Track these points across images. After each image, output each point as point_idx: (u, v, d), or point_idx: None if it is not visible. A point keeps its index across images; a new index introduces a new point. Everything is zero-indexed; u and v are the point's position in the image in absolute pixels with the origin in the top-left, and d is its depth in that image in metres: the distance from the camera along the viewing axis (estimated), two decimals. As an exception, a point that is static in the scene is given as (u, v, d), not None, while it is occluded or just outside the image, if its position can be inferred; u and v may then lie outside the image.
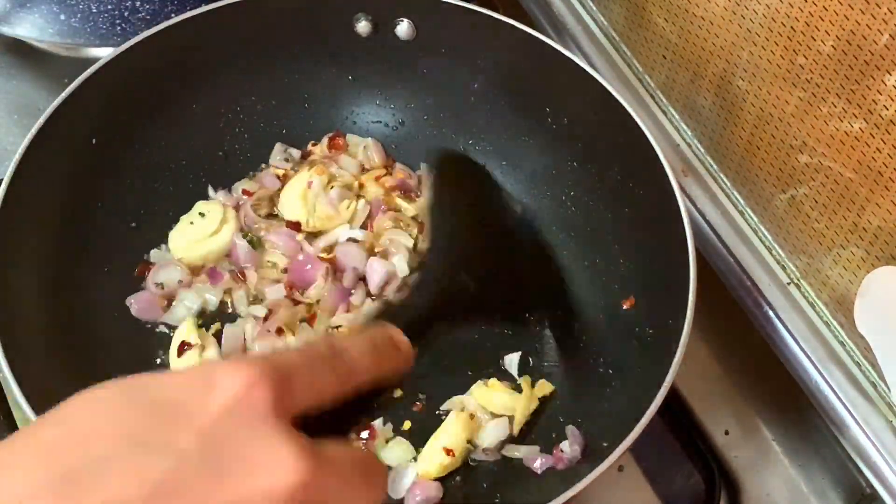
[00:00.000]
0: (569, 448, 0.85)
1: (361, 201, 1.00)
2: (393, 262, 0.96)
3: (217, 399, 0.46)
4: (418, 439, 0.88)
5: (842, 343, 0.91)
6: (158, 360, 0.92)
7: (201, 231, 0.95)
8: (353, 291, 0.95)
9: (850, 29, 0.75)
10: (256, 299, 0.95)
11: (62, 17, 1.01)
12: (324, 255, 0.96)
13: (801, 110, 0.84)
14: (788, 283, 0.94)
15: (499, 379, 0.92)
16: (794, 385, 0.92)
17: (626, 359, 0.88)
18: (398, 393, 0.89)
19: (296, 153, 1.02)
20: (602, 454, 0.75)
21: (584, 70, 0.92)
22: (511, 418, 0.89)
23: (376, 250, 0.97)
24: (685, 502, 0.96)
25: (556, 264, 0.96)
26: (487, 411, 0.89)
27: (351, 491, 0.49)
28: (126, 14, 1.01)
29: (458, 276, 0.77)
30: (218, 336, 0.93)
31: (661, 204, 0.86)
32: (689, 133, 1.01)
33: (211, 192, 0.99)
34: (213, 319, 0.94)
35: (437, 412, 0.90)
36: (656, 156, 0.87)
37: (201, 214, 0.96)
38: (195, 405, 0.46)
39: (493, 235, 0.89)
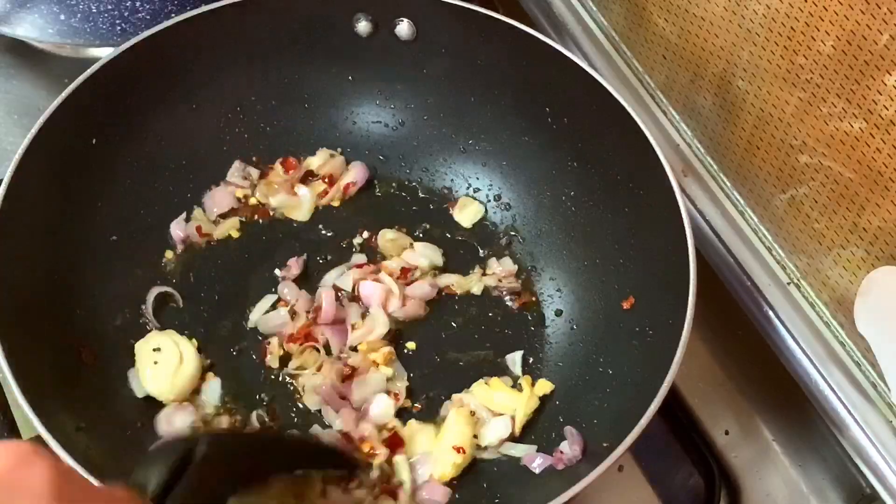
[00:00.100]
0: (568, 448, 0.85)
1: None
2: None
3: None
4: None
5: (842, 343, 0.91)
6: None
7: (170, 366, 0.89)
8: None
9: (850, 29, 0.75)
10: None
11: (62, 17, 1.01)
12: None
13: (801, 110, 0.84)
14: (788, 283, 0.94)
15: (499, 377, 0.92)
16: (794, 385, 0.92)
17: (626, 359, 0.88)
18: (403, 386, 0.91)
19: (254, 172, 1.02)
20: (602, 454, 0.76)
21: (584, 70, 0.92)
22: (512, 417, 0.89)
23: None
24: (685, 502, 0.96)
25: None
26: (488, 410, 0.89)
27: None
28: (126, 14, 1.01)
29: None
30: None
31: (661, 204, 0.86)
32: (689, 133, 1.01)
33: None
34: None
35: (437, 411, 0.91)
36: (656, 156, 0.87)
37: (156, 350, 0.90)
38: None
39: None
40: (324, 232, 1.01)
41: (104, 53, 0.91)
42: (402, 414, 0.90)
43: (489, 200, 1.03)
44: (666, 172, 0.86)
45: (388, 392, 0.90)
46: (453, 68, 1.00)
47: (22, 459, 0.47)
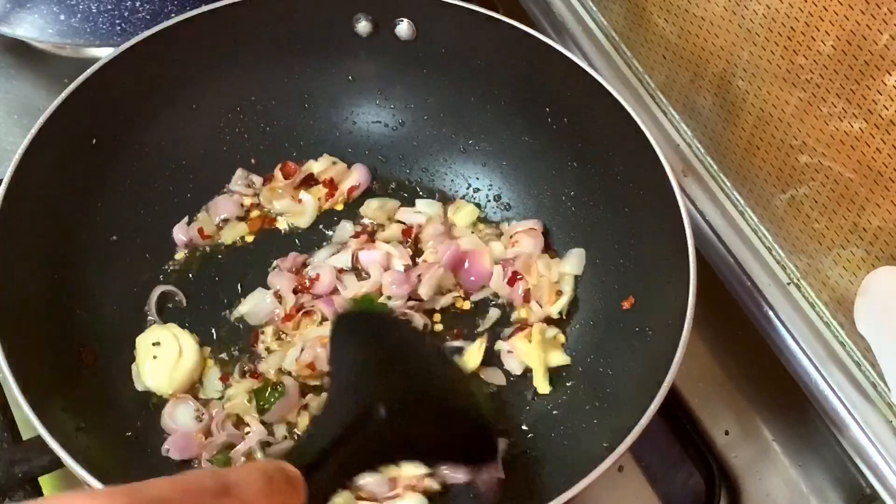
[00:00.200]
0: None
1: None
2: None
3: None
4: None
5: (842, 343, 0.91)
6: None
7: (169, 360, 0.90)
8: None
9: (850, 29, 0.75)
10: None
11: (62, 17, 1.01)
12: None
13: (801, 110, 0.84)
14: (788, 283, 0.94)
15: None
16: (794, 385, 0.92)
17: (626, 359, 0.88)
18: None
19: (258, 179, 1.02)
20: (602, 454, 0.75)
21: (585, 70, 0.92)
22: None
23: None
24: (685, 502, 0.96)
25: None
26: None
27: None
28: (126, 14, 1.01)
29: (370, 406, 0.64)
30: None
31: (661, 204, 0.86)
32: (689, 133, 1.01)
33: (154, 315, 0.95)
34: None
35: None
36: (656, 156, 0.87)
37: (156, 344, 0.90)
38: None
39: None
40: (327, 232, 1.01)
41: (104, 53, 0.91)
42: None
43: (489, 200, 1.03)
44: (666, 172, 0.86)
45: None
46: (453, 68, 1.00)
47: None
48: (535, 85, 0.97)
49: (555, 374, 0.93)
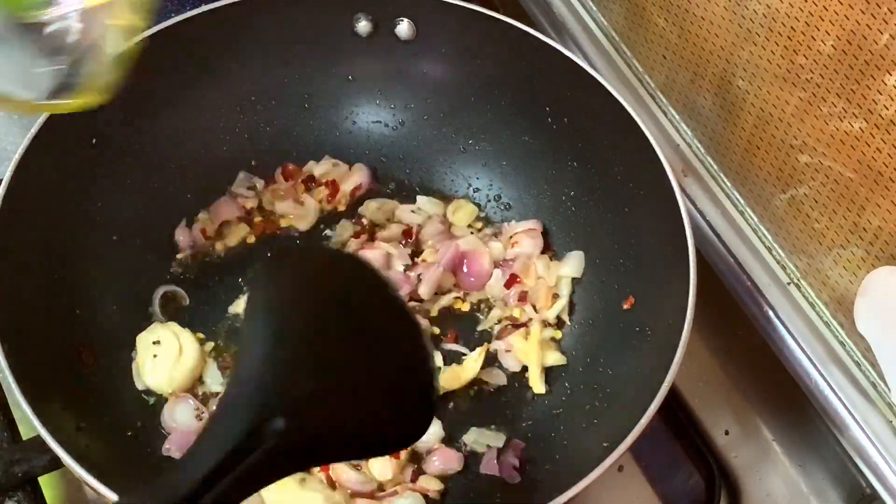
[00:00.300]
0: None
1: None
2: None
3: None
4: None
5: (842, 343, 0.91)
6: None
7: (169, 358, 0.89)
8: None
9: (850, 29, 0.75)
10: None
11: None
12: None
13: (801, 110, 0.84)
14: (788, 283, 0.94)
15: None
16: (794, 385, 0.92)
17: (626, 359, 0.88)
18: None
19: (259, 182, 1.02)
20: (602, 454, 0.75)
21: (584, 70, 0.92)
22: None
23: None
24: (685, 502, 0.96)
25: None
26: None
27: None
28: (126, 14, 1.01)
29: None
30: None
31: (661, 204, 0.86)
32: (689, 133, 1.01)
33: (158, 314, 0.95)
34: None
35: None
36: (656, 156, 0.87)
37: (156, 343, 0.90)
38: None
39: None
40: (327, 232, 1.01)
41: (104, 53, 0.91)
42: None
43: (489, 200, 1.03)
44: (666, 172, 0.86)
45: None
46: (453, 68, 1.00)
47: None
48: (535, 85, 0.97)
49: (555, 375, 0.93)
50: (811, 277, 0.92)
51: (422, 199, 1.02)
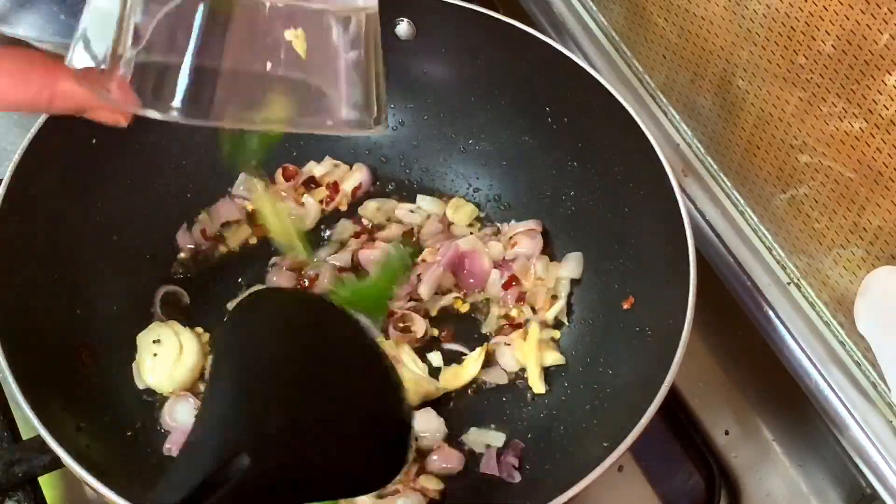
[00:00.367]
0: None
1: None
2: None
3: None
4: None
5: (842, 343, 0.91)
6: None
7: (170, 357, 0.90)
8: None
9: (850, 29, 0.75)
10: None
11: (62, 17, 1.01)
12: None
13: (801, 110, 0.84)
14: (788, 283, 0.94)
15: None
16: (794, 385, 0.92)
17: (626, 359, 0.88)
18: None
19: (260, 184, 1.02)
20: (602, 454, 0.75)
21: (584, 70, 0.92)
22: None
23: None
24: (685, 502, 0.96)
25: None
26: None
27: None
28: (126, 14, 1.01)
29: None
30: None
31: (661, 204, 0.86)
32: (689, 133, 1.01)
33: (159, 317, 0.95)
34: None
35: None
36: (656, 156, 0.87)
37: (156, 342, 0.90)
38: None
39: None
40: (327, 232, 1.01)
41: (104, 53, 0.91)
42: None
43: (489, 200, 1.03)
44: (666, 172, 0.86)
45: None
46: (453, 68, 1.00)
47: None
48: (535, 85, 0.97)
49: (554, 375, 0.93)
50: (811, 277, 0.92)
51: (421, 199, 1.02)
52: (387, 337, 0.92)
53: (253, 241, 1.00)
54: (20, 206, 0.84)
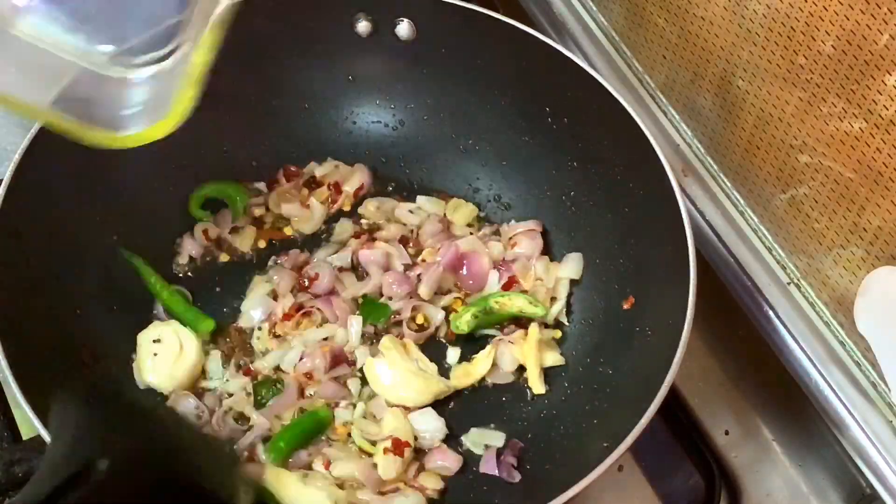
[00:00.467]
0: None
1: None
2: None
3: None
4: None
5: (842, 343, 0.91)
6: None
7: (170, 355, 0.90)
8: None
9: (850, 29, 0.75)
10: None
11: (62, 17, 1.01)
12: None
13: (801, 110, 0.84)
14: (788, 283, 0.94)
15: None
16: (794, 385, 0.92)
17: (626, 359, 0.89)
18: None
19: (262, 186, 1.02)
20: (602, 454, 0.75)
21: (584, 70, 0.92)
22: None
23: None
24: (685, 502, 0.96)
25: None
26: None
27: None
28: (126, 14, 1.01)
29: None
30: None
31: (661, 204, 0.86)
32: (689, 133, 1.01)
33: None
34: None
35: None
36: (656, 156, 0.87)
37: (157, 341, 0.91)
38: None
39: None
40: (327, 234, 1.01)
41: (104, 53, 0.91)
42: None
43: (489, 200, 1.03)
44: (666, 172, 0.86)
45: None
46: (453, 68, 1.00)
47: None
48: (535, 85, 0.97)
49: (554, 375, 0.93)
50: (811, 277, 0.92)
51: (421, 199, 1.02)
52: (401, 338, 0.93)
53: (262, 244, 1.00)
54: (20, 206, 0.84)
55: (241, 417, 0.89)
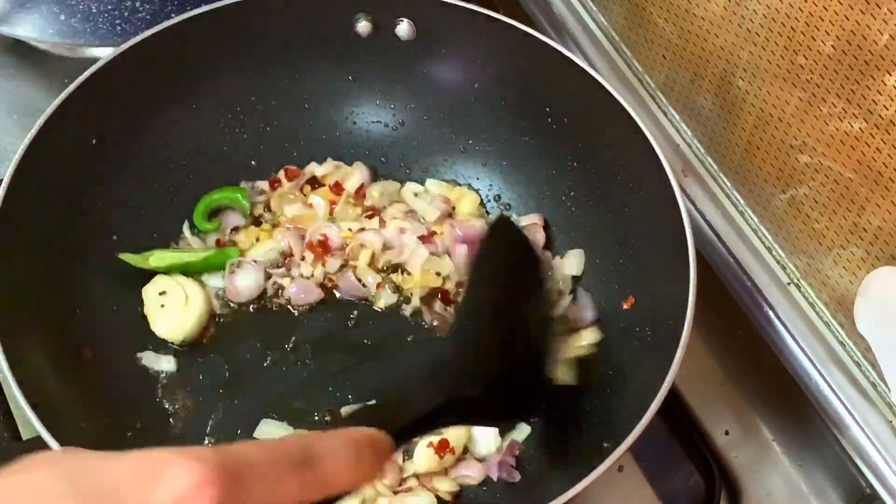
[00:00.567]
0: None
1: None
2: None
3: (162, 497, 0.42)
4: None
5: (842, 343, 0.91)
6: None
7: (177, 306, 0.91)
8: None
9: (850, 29, 0.75)
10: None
11: (62, 17, 1.01)
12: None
13: (801, 110, 0.84)
14: (788, 283, 0.94)
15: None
16: (794, 385, 0.92)
17: (626, 359, 0.89)
18: None
19: (264, 185, 1.02)
20: (602, 454, 0.75)
21: (584, 70, 0.92)
22: None
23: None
24: (685, 502, 0.96)
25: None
26: None
27: None
28: (126, 14, 1.01)
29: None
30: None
31: (661, 204, 0.86)
32: (689, 133, 1.01)
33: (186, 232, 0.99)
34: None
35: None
36: (656, 156, 0.87)
37: (162, 293, 0.92)
38: (137, 502, 0.43)
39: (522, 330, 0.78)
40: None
41: (104, 53, 0.91)
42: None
43: (489, 200, 1.03)
44: (666, 172, 0.86)
45: None
46: (453, 68, 1.00)
47: (200, 484, 0.42)
48: (535, 85, 0.97)
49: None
50: (811, 277, 0.92)
51: (430, 182, 1.03)
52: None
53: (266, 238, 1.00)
54: (20, 206, 0.84)
55: None
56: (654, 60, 1.01)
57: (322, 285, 0.96)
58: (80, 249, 0.91)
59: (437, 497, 0.86)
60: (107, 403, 0.87)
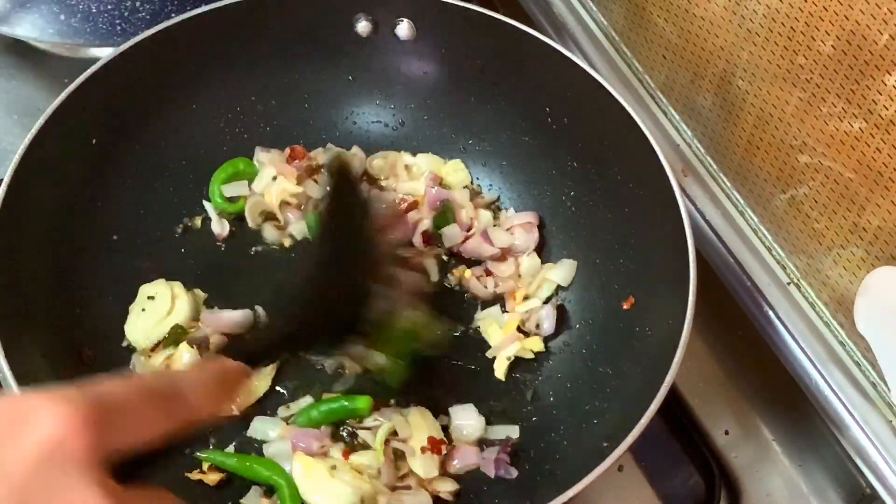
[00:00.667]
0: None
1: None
2: None
3: (30, 442, 0.43)
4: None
5: (842, 343, 0.91)
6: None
7: (156, 315, 0.91)
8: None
9: (850, 29, 0.75)
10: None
11: (62, 17, 1.01)
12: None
13: (801, 110, 0.84)
14: (788, 283, 0.94)
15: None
16: (794, 385, 0.92)
17: (626, 359, 0.88)
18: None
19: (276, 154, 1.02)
20: (602, 454, 0.75)
21: (584, 70, 0.92)
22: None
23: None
24: (685, 502, 0.96)
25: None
26: None
27: None
28: (126, 14, 1.01)
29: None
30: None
31: (661, 204, 0.86)
32: (689, 133, 1.01)
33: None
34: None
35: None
36: (656, 156, 0.87)
37: (150, 298, 0.92)
38: (6, 449, 0.43)
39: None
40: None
41: (104, 53, 0.92)
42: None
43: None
44: (666, 172, 0.86)
45: None
46: (453, 68, 1.00)
47: (68, 426, 0.43)
48: (535, 85, 0.97)
49: (554, 374, 0.93)
50: (811, 277, 0.92)
51: (421, 157, 1.02)
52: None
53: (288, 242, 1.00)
54: (20, 206, 0.84)
55: None
56: (654, 60, 1.01)
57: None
58: (79, 249, 0.91)
59: (439, 497, 0.85)
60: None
